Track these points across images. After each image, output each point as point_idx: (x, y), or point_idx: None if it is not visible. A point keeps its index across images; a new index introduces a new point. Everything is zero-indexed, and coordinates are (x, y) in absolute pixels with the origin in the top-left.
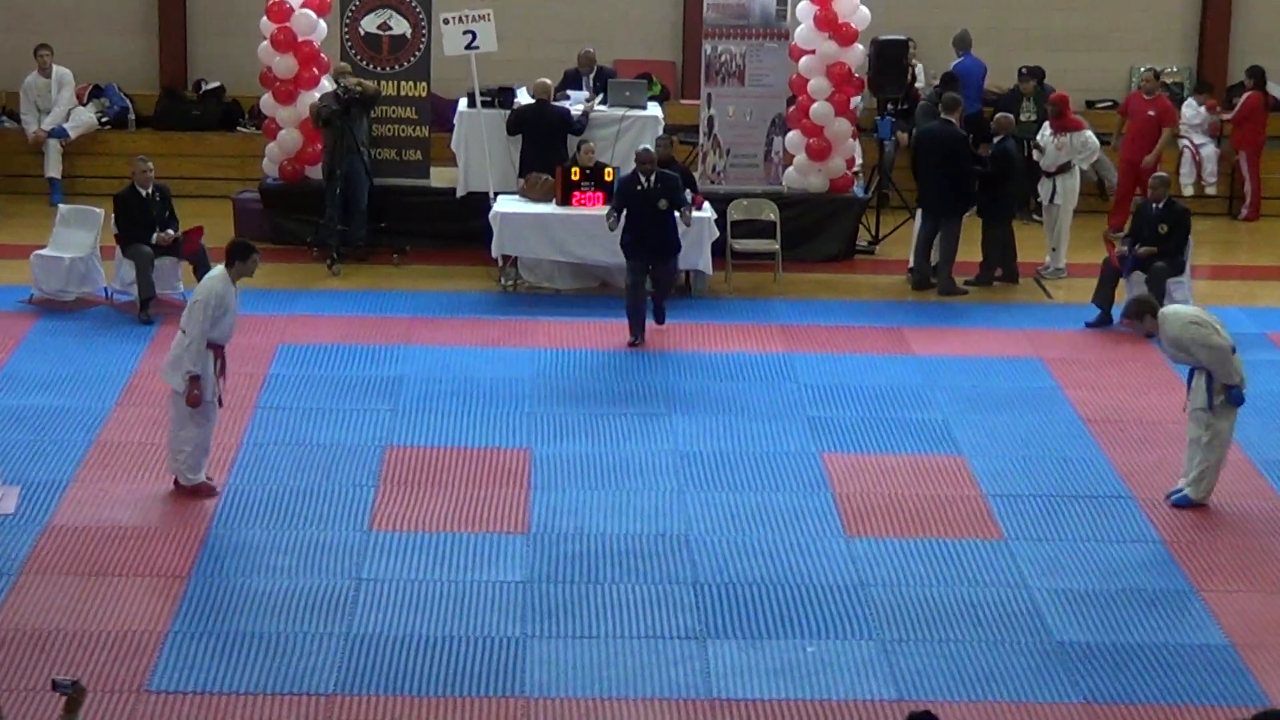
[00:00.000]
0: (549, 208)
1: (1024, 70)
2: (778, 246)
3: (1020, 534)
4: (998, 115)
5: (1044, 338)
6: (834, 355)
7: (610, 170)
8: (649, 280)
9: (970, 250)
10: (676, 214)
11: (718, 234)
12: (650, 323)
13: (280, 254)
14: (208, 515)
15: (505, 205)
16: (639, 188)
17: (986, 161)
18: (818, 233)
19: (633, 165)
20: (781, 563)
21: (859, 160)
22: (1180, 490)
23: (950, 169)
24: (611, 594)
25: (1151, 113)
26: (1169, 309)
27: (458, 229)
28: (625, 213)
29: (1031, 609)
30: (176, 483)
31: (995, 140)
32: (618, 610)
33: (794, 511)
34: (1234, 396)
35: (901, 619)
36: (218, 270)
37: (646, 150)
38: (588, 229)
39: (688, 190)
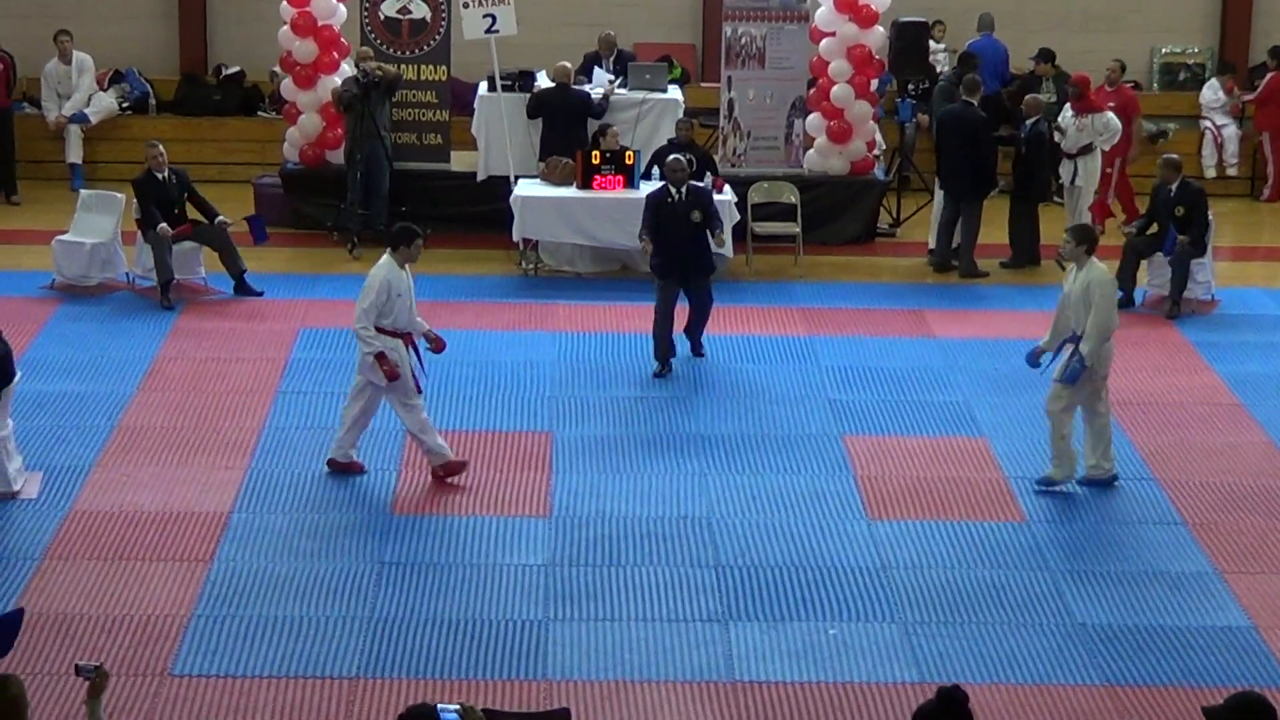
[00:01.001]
0: (569, 191)
1: (1039, 53)
2: (798, 229)
3: (1042, 516)
4: (1028, 97)
5: None
6: (855, 338)
7: (631, 154)
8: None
9: (992, 233)
10: (710, 234)
11: (738, 217)
12: (685, 352)
13: (301, 238)
14: (230, 499)
15: (525, 189)
16: (669, 200)
17: (1017, 142)
18: (838, 215)
19: (660, 177)
20: (803, 545)
21: (880, 143)
22: (1082, 471)
23: (971, 151)
24: (633, 577)
25: (1112, 105)
26: (1099, 261)
27: (478, 213)
28: (659, 222)
29: (1054, 591)
30: (434, 470)
31: (1029, 122)
32: (639, 593)
33: (815, 494)
34: (1072, 373)
35: (923, 601)
36: (384, 257)
37: (678, 159)
38: (608, 212)
39: (708, 174)
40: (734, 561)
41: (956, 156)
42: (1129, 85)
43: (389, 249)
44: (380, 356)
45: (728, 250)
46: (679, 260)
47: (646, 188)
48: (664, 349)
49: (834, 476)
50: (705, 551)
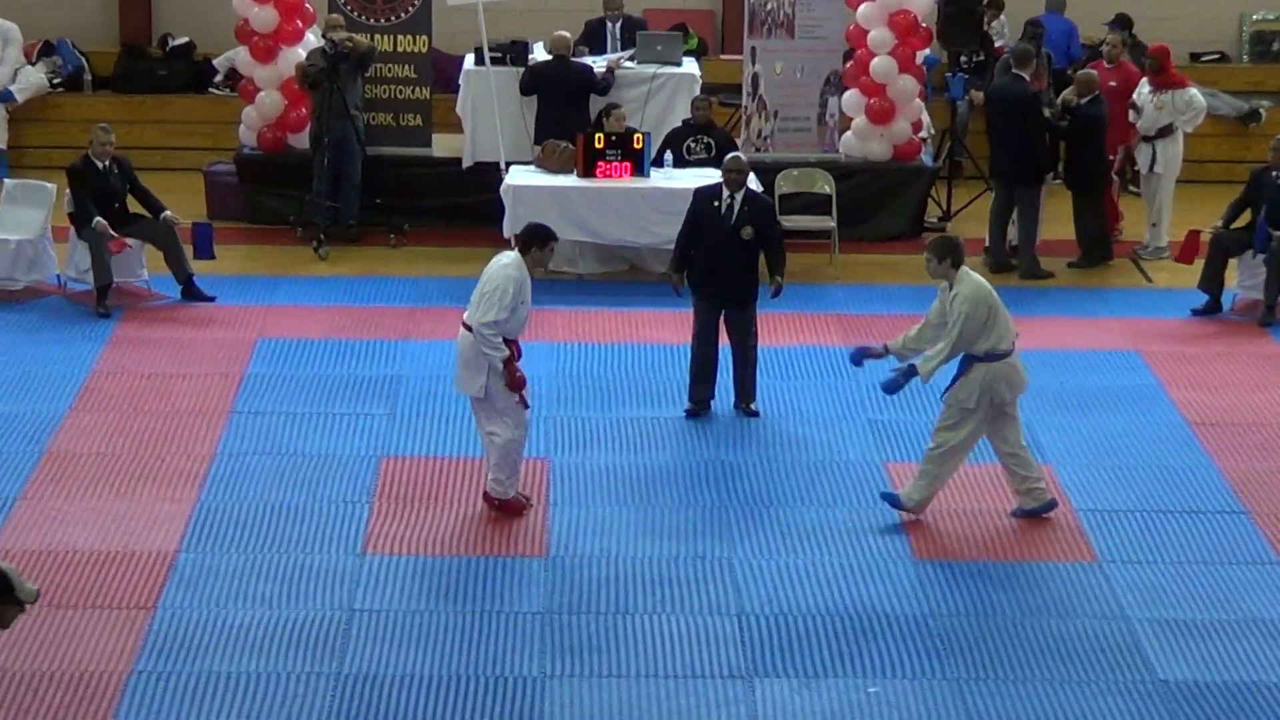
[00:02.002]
0: (569, 180)
1: (1114, 19)
2: (833, 223)
3: (1116, 555)
4: (1080, 73)
5: (1143, 328)
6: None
7: (640, 137)
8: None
9: (1058, 229)
10: (769, 271)
11: None
12: (720, 402)
13: (259, 235)
14: (177, 537)
15: (519, 177)
16: (716, 205)
17: (1056, 127)
18: (880, 207)
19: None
20: (839, 590)
21: (927, 124)
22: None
23: (1020, 130)
24: (643, 626)
25: (1114, 83)
26: (973, 274)
27: (464, 205)
28: (698, 231)
29: (1130, 643)
30: (488, 497)
31: (1083, 101)
32: (650, 645)
33: (853, 530)
34: (892, 382)
35: (978, 655)
36: (510, 257)
37: (737, 158)
38: (614, 204)
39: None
40: (759, 609)
41: (1005, 137)
42: (1129, 62)
43: (519, 249)
44: (509, 363)
45: None
46: (714, 277)
47: (658, 176)
48: (700, 382)
49: (875, 510)
50: (726, 597)
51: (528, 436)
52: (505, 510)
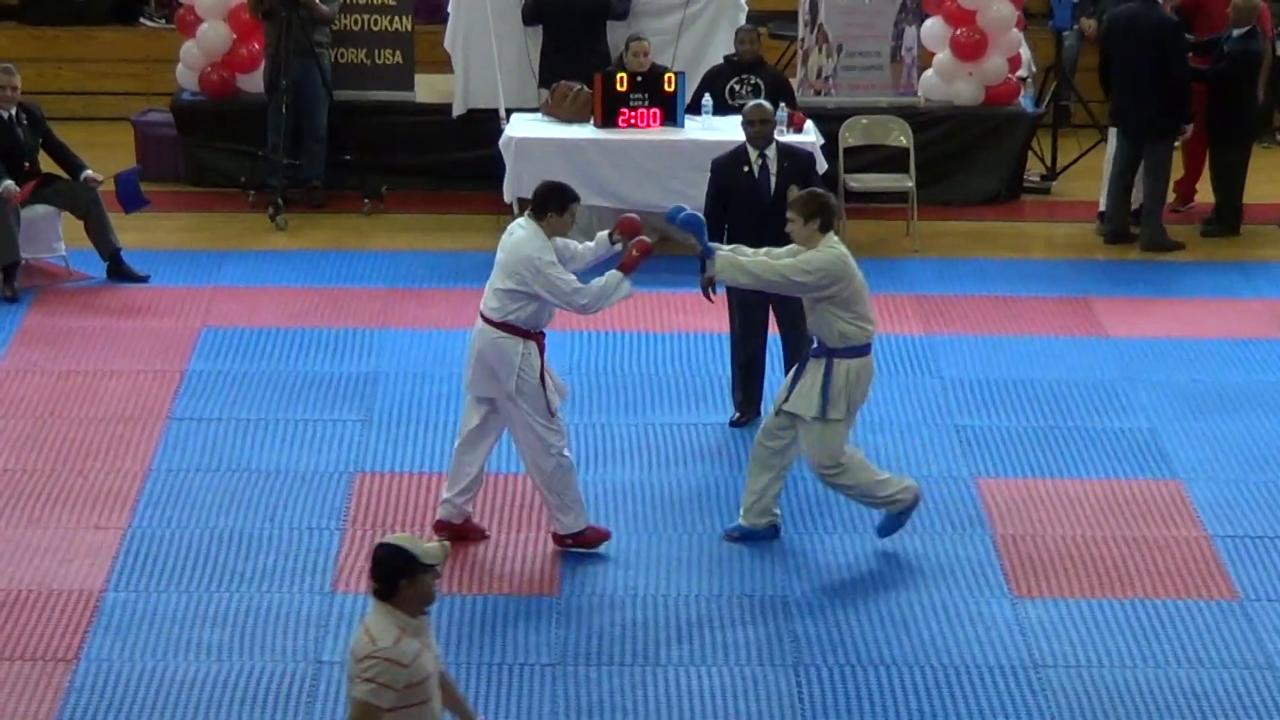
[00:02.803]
0: (584, 131)
1: None
2: (912, 184)
3: (1262, 592)
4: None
5: None
6: (992, 338)
7: (671, 77)
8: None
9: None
10: None
11: (826, 167)
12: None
13: (203, 200)
14: (103, 572)
15: (522, 128)
16: (746, 170)
17: (1214, 62)
18: (969, 164)
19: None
20: (919, 635)
21: (1027, 60)
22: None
23: (1155, 71)
24: (676, 681)
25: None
26: (839, 244)
27: (455, 163)
28: (727, 210)
29: None
30: (559, 539)
31: (1236, 33)
32: (685, 703)
33: (937, 562)
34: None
35: (1091, 712)
36: (527, 226)
37: (760, 106)
38: (640, 161)
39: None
40: (820, 659)
41: (1134, 79)
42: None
43: (531, 215)
44: (640, 252)
45: None
46: None
47: (695, 125)
48: (746, 384)
49: (963, 536)
50: (779, 645)
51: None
52: (584, 543)
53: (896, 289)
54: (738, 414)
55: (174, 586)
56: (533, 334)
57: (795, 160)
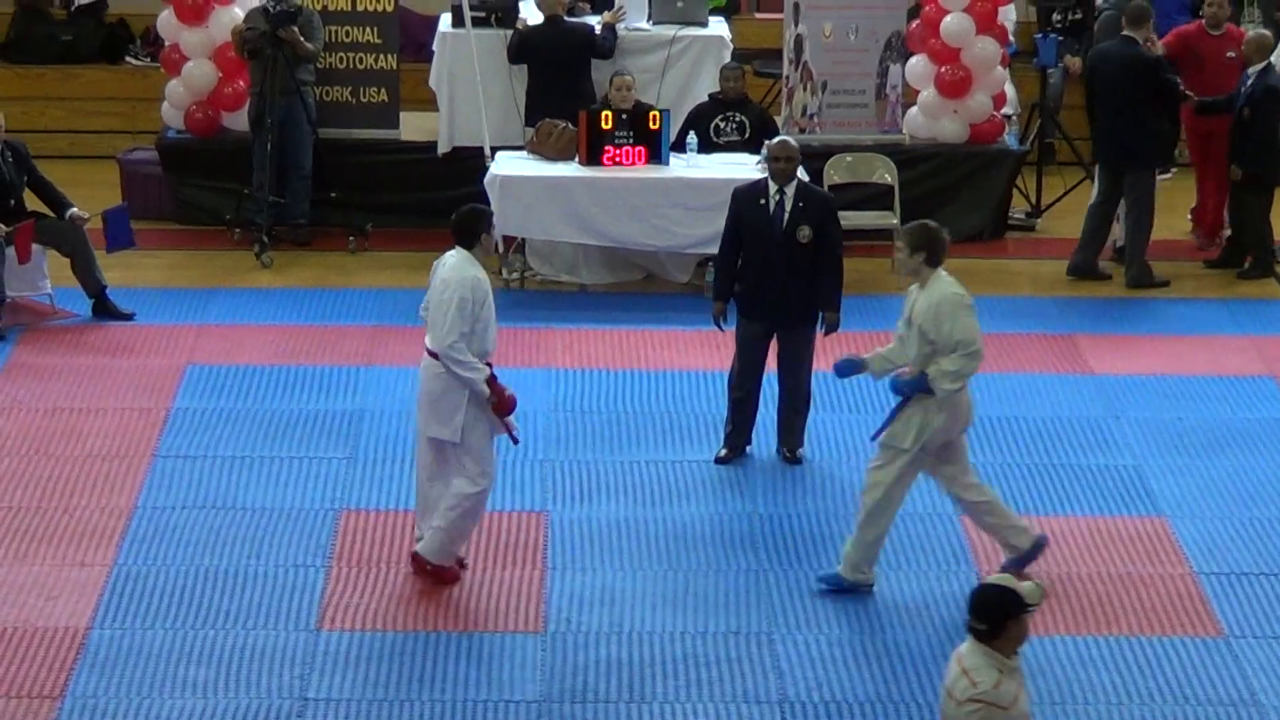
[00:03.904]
0: (570, 169)
1: None
2: (896, 221)
3: (1247, 629)
4: (1249, 36)
5: (1278, 347)
6: (977, 376)
7: (656, 115)
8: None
9: (1172, 220)
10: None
11: None
12: (763, 447)
13: (188, 238)
14: (89, 610)
15: (507, 166)
16: (762, 203)
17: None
18: (954, 201)
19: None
20: (904, 673)
21: (1012, 98)
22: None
23: (1135, 102)
24: (663, 718)
25: (1231, 54)
26: (946, 278)
27: (439, 200)
28: (739, 244)
29: None
30: (418, 559)
31: (1251, 71)
32: None
33: (922, 599)
34: (910, 384)
35: None
36: (456, 255)
37: (785, 143)
38: (625, 199)
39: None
40: (806, 695)
41: (1114, 111)
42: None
43: (459, 245)
44: (492, 382)
45: None
46: (768, 294)
47: (680, 164)
48: (738, 425)
49: (949, 574)
50: (766, 682)
51: (502, 486)
52: (441, 579)
53: (881, 326)
54: (724, 450)
55: (159, 624)
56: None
57: (813, 201)
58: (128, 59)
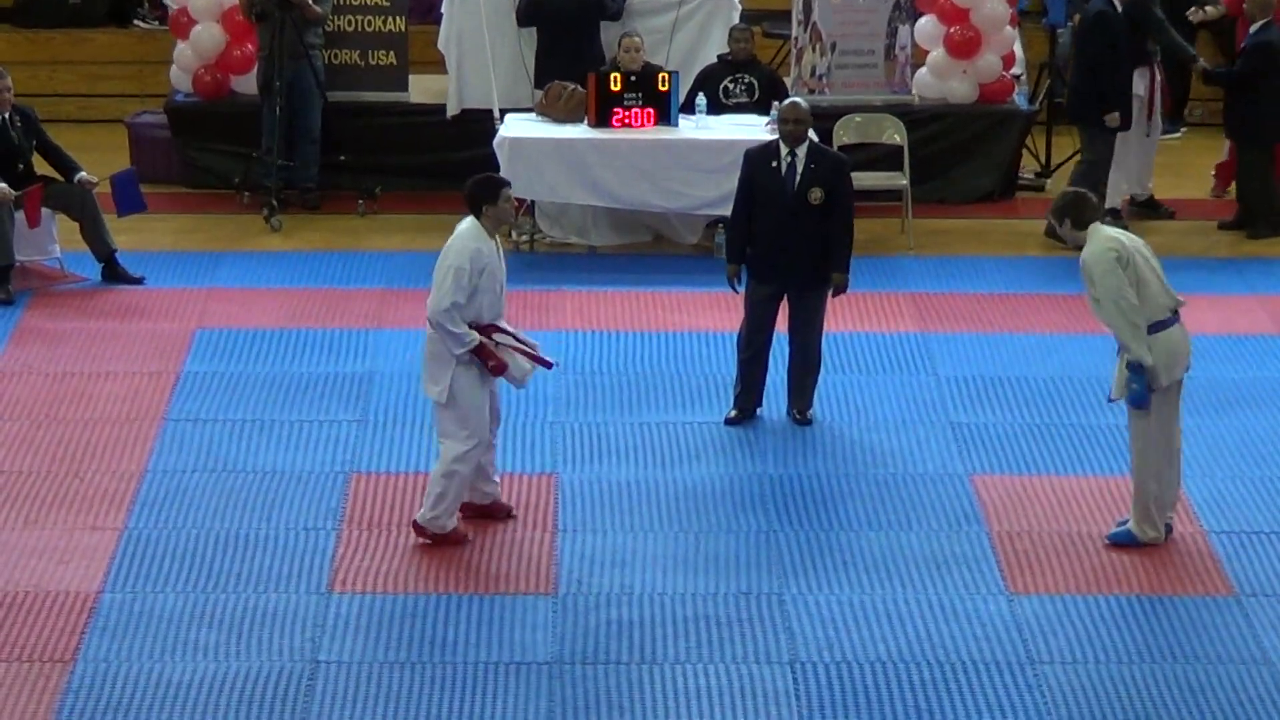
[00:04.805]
0: (579, 131)
1: None
2: (906, 182)
3: (1257, 587)
4: None
5: None
6: (987, 335)
7: (665, 76)
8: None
9: (1183, 184)
10: (829, 250)
11: None
12: (772, 408)
13: (197, 201)
14: (100, 574)
15: (516, 128)
16: (774, 165)
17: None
18: (963, 161)
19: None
20: (915, 632)
21: (1021, 57)
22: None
23: (1085, 56)
24: (673, 679)
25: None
26: (1103, 230)
27: (449, 163)
28: (751, 206)
29: (1276, 694)
30: (419, 528)
31: (1253, 28)
32: (682, 702)
33: (933, 558)
34: (1134, 395)
35: (1088, 708)
36: (465, 224)
37: (796, 105)
38: (634, 160)
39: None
40: (817, 656)
41: (1081, 71)
42: None
43: (471, 212)
44: (482, 349)
45: None
46: (779, 255)
47: (689, 125)
48: (748, 386)
49: (959, 533)
50: (777, 642)
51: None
52: (445, 542)
53: (891, 287)
54: (734, 412)
55: (170, 587)
56: (479, 326)
57: (824, 163)
58: (136, 22)
